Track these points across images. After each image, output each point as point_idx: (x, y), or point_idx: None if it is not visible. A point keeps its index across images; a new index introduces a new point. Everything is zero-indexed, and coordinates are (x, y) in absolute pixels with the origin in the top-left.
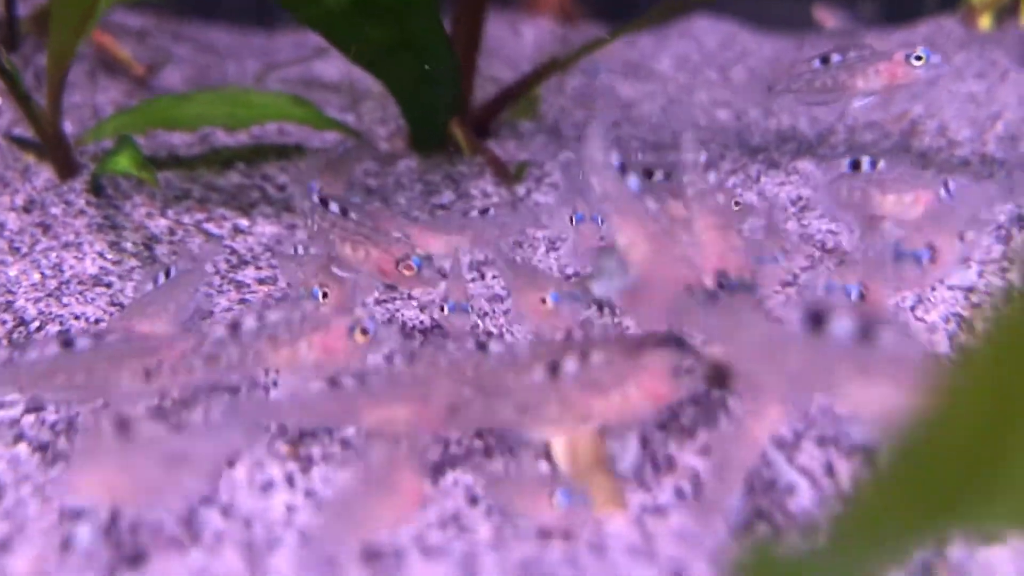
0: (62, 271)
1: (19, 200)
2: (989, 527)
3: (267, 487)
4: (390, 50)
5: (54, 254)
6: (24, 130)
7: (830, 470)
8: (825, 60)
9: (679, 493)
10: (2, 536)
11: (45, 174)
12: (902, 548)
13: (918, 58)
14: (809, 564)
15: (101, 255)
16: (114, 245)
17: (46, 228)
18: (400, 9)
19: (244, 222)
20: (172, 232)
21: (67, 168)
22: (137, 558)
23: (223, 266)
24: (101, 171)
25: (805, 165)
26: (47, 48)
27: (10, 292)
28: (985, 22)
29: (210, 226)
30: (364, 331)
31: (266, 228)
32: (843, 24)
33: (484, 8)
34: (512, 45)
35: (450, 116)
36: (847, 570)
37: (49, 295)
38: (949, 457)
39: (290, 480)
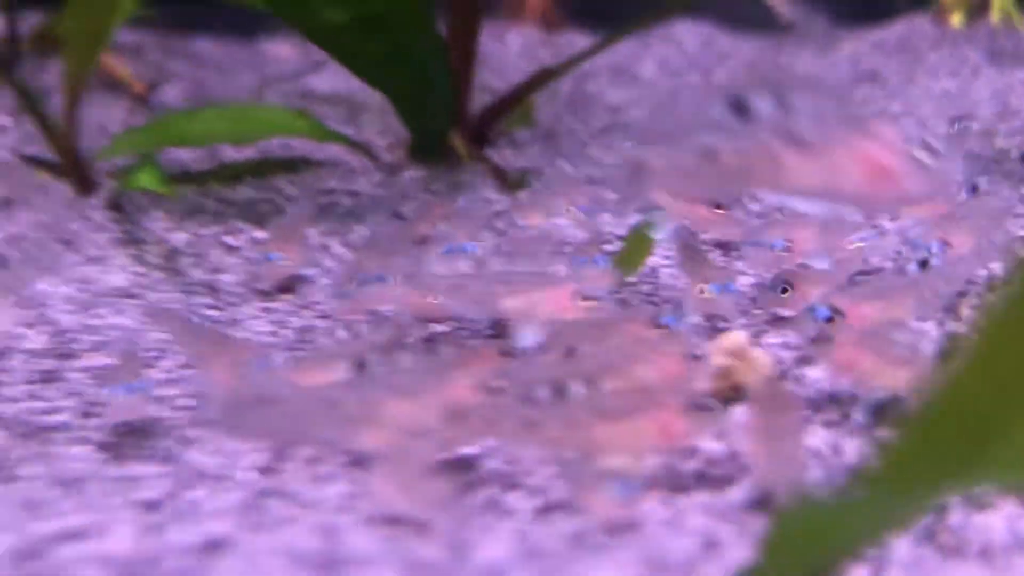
0: (90, 284)
1: (38, 216)
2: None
3: None
4: (389, 62)
5: (80, 268)
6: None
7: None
8: None
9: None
10: None
11: (61, 191)
12: (927, 497)
13: None
14: (847, 510)
15: (126, 268)
16: (137, 258)
17: (68, 243)
18: (397, 22)
19: (260, 234)
20: (192, 245)
21: (84, 185)
22: None
23: (244, 276)
24: (124, 188)
25: None
26: (64, 65)
27: (43, 304)
28: (956, 20)
29: (228, 239)
30: (586, 298)
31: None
32: (796, 14)
33: (479, 19)
34: (498, 54)
35: (449, 126)
36: (883, 516)
37: (82, 307)
38: (968, 413)
39: None
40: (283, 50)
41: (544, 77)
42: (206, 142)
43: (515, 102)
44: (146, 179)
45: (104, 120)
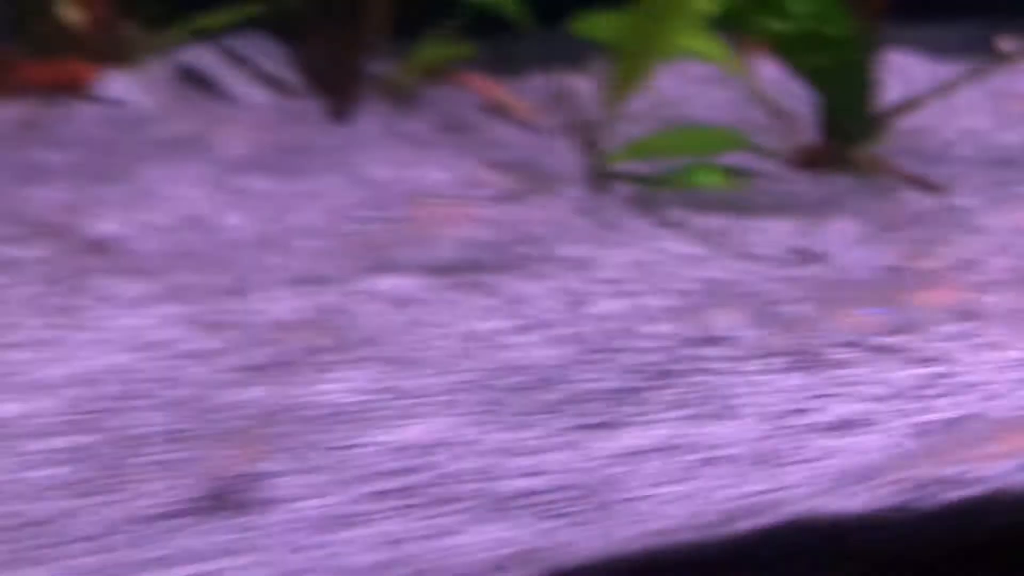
0: (661, 253)
1: (565, 207)
2: None
3: None
4: (843, 89)
5: (642, 244)
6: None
7: None
8: None
9: None
10: None
11: (569, 192)
12: None
13: None
14: None
15: (682, 243)
16: (684, 237)
17: (612, 226)
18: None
19: (757, 221)
20: (716, 229)
21: (596, 185)
22: None
23: (775, 251)
24: (688, 184)
25: None
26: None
27: (650, 264)
28: None
29: (740, 224)
30: None
31: (779, 226)
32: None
33: None
34: None
35: (857, 136)
36: None
37: (675, 267)
38: None
39: None
40: (581, 84)
41: (915, 102)
42: (677, 154)
43: (887, 120)
44: (714, 177)
45: (503, 137)
